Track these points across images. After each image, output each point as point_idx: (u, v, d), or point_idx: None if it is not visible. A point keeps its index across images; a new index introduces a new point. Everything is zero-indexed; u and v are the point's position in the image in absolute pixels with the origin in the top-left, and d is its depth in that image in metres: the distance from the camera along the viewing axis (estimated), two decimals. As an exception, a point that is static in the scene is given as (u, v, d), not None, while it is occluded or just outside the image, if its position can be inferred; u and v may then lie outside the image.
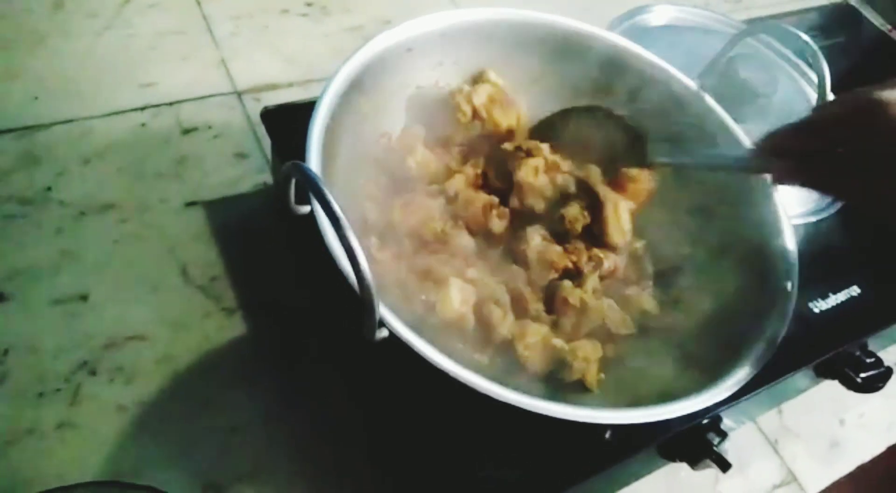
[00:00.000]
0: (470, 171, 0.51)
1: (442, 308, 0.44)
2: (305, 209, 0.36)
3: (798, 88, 0.65)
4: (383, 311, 0.34)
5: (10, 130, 0.62)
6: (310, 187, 0.30)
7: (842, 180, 0.40)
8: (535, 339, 0.43)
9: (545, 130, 0.53)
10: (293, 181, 0.34)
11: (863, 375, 0.55)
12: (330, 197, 0.30)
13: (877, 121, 0.36)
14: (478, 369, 0.37)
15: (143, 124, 0.65)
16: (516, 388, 0.36)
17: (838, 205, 0.59)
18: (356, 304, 0.32)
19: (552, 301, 0.46)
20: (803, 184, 0.43)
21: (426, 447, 0.44)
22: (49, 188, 0.58)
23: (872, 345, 0.57)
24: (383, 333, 0.34)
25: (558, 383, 0.44)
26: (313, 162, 0.37)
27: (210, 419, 0.49)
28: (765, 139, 0.44)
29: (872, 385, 0.55)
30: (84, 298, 0.53)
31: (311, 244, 0.36)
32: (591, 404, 0.43)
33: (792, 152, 0.42)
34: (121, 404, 0.49)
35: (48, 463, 0.45)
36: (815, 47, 0.48)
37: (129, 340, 0.52)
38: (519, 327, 0.44)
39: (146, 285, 0.55)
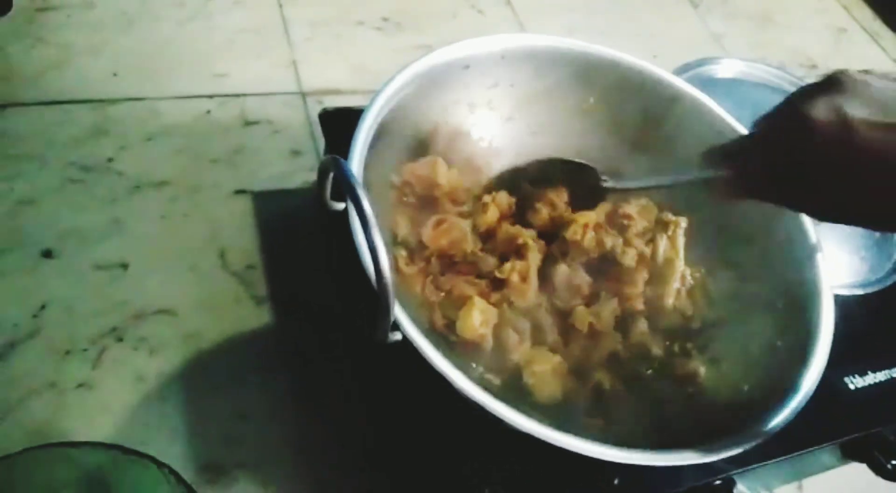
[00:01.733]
0: (503, 200, 0.51)
1: (462, 327, 0.44)
2: (340, 206, 0.36)
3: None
4: (399, 314, 0.34)
5: (87, 101, 0.65)
6: (343, 183, 0.31)
7: (776, 190, 0.40)
8: (544, 368, 0.42)
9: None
10: (330, 176, 0.34)
11: (894, 462, 0.52)
12: (361, 194, 0.30)
13: (805, 139, 0.37)
14: (487, 388, 0.36)
15: (208, 111, 0.67)
16: (524, 412, 0.36)
17: (890, 281, 0.57)
18: (374, 304, 0.32)
19: (569, 328, 0.46)
20: (741, 195, 0.42)
21: (429, 459, 0.43)
22: (111, 159, 0.61)
23: (909, 433, 0.54)
24: (396, 336, 0.34)
25: (572, 415, 0.43)
26: (355, 161, 0.38)
27: (222, 403, 0.50)
28: (712, 150, 0.44)
29: (904, 475, 0.52)
30: (124, 266, 0.55)
31: (342, 241, 0.37)
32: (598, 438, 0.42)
33: (734, 164, 0.41)
34: (140, 374, 0.50)
35: (62, 419, 0.47)
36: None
37: (159, 313, 0.53)
38: (531, 354, 0.43)
39: (185, 263, 0.56)
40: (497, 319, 0.45)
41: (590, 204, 0.50)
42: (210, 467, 0.47)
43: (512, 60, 0.50)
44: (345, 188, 0.31)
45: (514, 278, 0.46)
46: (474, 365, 0.43)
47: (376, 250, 0.30)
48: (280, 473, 0.48)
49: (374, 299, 0.32)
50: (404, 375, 0.39)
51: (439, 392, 0.35)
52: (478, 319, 0.44)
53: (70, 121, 0.63)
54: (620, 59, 0.52)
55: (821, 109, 0.36)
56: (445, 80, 0.47)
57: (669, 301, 0.48)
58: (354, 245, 0.35)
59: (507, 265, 0.46)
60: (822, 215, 0.40)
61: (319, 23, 0.80)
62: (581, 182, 0.50)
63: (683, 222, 0.48)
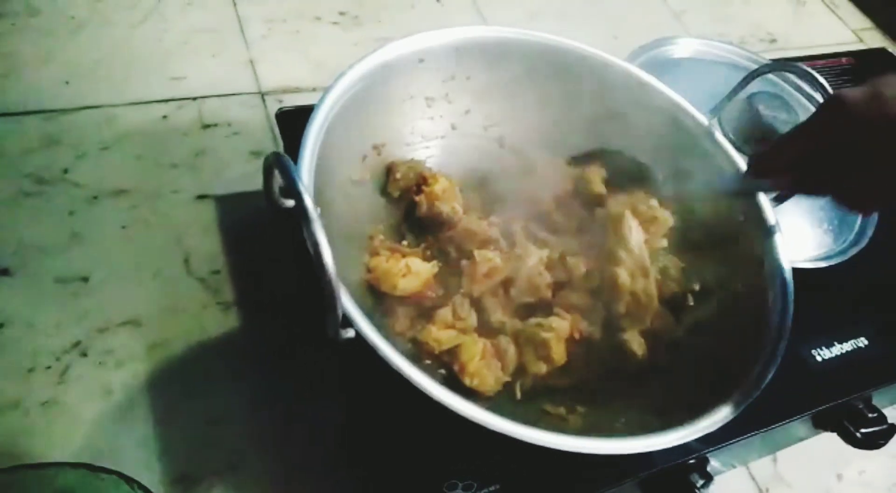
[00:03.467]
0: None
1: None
2: (290, 203, 0.36)
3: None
4: (352, 311, 0.34)
5: (38, 112, 0.63)
6: (285, 178, 0.31)
7: (836, 181, 0.41)
8: (479, 367, 0.43)
9: None
10: (276, 173, 0.34)
11: (863, 430, 0.53)
12: (302, 189, 0.30)
13: (841, 114, 0.39)
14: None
15: (165, 116, 0.66)
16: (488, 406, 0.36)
17: (853, 251, 0.58)
18: (320, 299, 0.32)
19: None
20: (805, 193, 0.45)
21: (403, 456, 0.43)
22: (66, 170, 0.60)
23: (877, 400, 0.55)
24: (349, 333, 0.34)
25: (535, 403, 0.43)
26: (306, 158, 0.38)
27: (193, 411, 0.50)
28: (757, 160, 0.46)
29: (873, 442, 0.53)
30: (86, 279, 0.54)
31: (294, 239, 0.36)
32: (571, 430, 0.42)
33: (785, 167, 0.44)
34: (107, 388, 0.49)
35: (28, 439, 0.46)
36: (829, 88, 0.47)
37: (124, 324, 0.52)
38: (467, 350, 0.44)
39: (148, 271, 0.56)
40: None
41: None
42: (184, 477, 0.47)
43: (466, 53, 0.49)
44: (287, 186, 0.31)
45: (483, 268, 0.46)
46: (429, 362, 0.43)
47: (319, 247, 0.30)
48: (255, 477, 0.48)
49: (320, 293, 0.31)
50: (367, 370, 0.38)
51: (401, 387, 0.35)
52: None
53: (21, 132, 0.61)
54: (572, 47, 0.52)
55: (856, 91, 0.39)
56: (400, 75, 0.47)
57: (623, 281, 0.47)
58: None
59: (490, 255, 0.46)
60: (869, 201, 0.42)
61: (276, 19, 0.79)
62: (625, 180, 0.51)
63: (628, 216, 0.48)
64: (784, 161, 0.43)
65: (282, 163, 0.31)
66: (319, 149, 0.40)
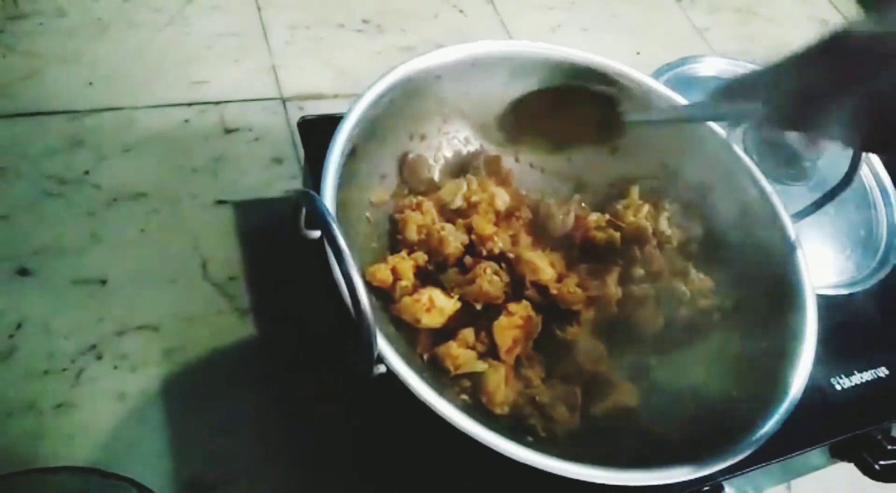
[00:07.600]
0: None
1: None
2: (315, 235, 0.36)
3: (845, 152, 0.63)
4: (388, 352, 0.33)
5: (61, 112, 0.64)
6: (317, 219, 0.30)
7: (815, 116, 0.38)
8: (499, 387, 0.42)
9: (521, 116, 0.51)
10: (304, 209, 0.34)
11: (882, 462, 0.52)
12: (336, 231, 0.30)
13: (842, 53, 0.36)
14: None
15: (186, 120, 0.66)
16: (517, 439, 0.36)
17: (876, 279, 0.57)
18: (355, 337, 0.32)
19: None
20: (778, 127, 0.42)
21: (416, 480, 0.43)
22: (87, 172, 0.60)
23: (897, 431, 0.54)
24: (381, 369, 0.33)
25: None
26: (328, 190, 0.38)
27: (206, 418, 0.50)
28: (732, 85, 0.43)
29: (892, 475, 0.52)
30: (103, 282, 0.54)
31: (320, 268, 0.36)
32: (586, 457, 0.41)
33: (762, 96, 0.41)
34: (121, 392, 0.49)
35: (41, 441, 0.46)
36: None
37: (140, 329, 0.52)
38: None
39: (165, 276, 0.56)
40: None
41: (607, 138, 0.50)
42: (195, 485, 0.47)
43: (483, 68, 0.49)
44: (319, 227, 0.30)
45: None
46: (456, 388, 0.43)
47: (355, 289, 0.30)
48: (267, 489, 0.48)
49: (355, 332, 0.31)
50: (391, 397, 0.38)
51: (426, 418, 0.34)
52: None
53: (44, 132, 0.61)
54: (592, 62, 0.51)
55: (856, 26, 0.36)
56: (418, 92, 0.47)
57: None
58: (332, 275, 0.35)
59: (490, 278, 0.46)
60: (864, 141, 0.39)
61: (299, 26, 0.79)
62: (599, 113, 0.48)
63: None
64: (763, 90, 0.41)
65: (312, 202, 0.31)
66: (340, 176, 0.39)
